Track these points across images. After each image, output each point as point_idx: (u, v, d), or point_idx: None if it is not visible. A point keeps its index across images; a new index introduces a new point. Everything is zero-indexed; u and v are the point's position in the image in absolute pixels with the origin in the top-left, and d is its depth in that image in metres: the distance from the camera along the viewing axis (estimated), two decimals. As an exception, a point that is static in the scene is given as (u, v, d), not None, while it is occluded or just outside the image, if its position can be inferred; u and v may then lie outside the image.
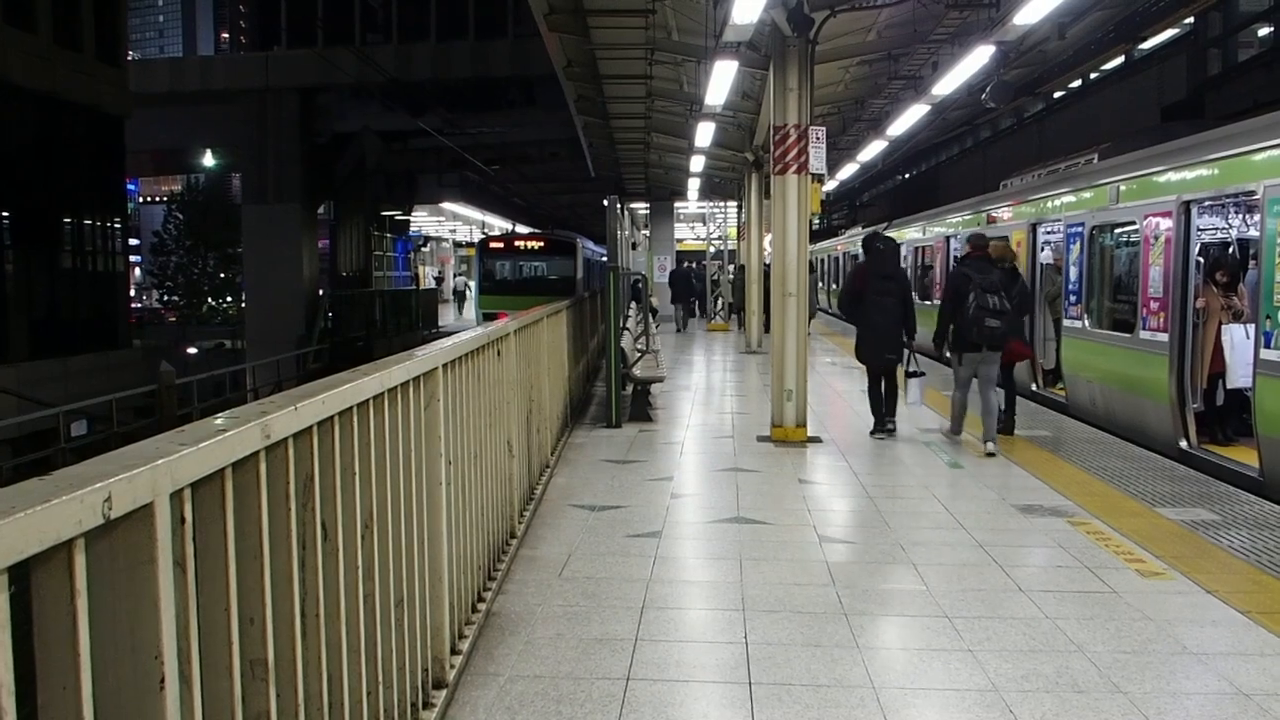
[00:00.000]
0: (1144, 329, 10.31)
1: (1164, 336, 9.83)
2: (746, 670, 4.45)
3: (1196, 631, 4.87)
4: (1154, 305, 10.09)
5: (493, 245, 32.32)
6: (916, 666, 4.55)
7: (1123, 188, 11.07)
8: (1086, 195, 12.15)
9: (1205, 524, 6.78)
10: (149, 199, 78.55)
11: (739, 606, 5.29)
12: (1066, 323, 12.60)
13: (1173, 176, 9.84)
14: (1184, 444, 9.49)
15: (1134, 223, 10.73)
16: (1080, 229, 12.25)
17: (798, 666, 4.49)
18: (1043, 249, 14.01)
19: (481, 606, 4.99)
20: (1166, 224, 9.86)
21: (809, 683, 4.32)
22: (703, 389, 15.01)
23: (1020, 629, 4.94)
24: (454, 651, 4.31)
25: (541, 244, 31.60)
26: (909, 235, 22.89)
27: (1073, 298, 12.50)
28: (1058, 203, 13.19)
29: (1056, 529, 6.77)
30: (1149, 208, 10.30)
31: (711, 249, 33.31)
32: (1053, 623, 5.02)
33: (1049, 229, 13.70)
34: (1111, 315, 11.67)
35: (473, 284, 38.62)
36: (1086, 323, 11.99)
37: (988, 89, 16.24)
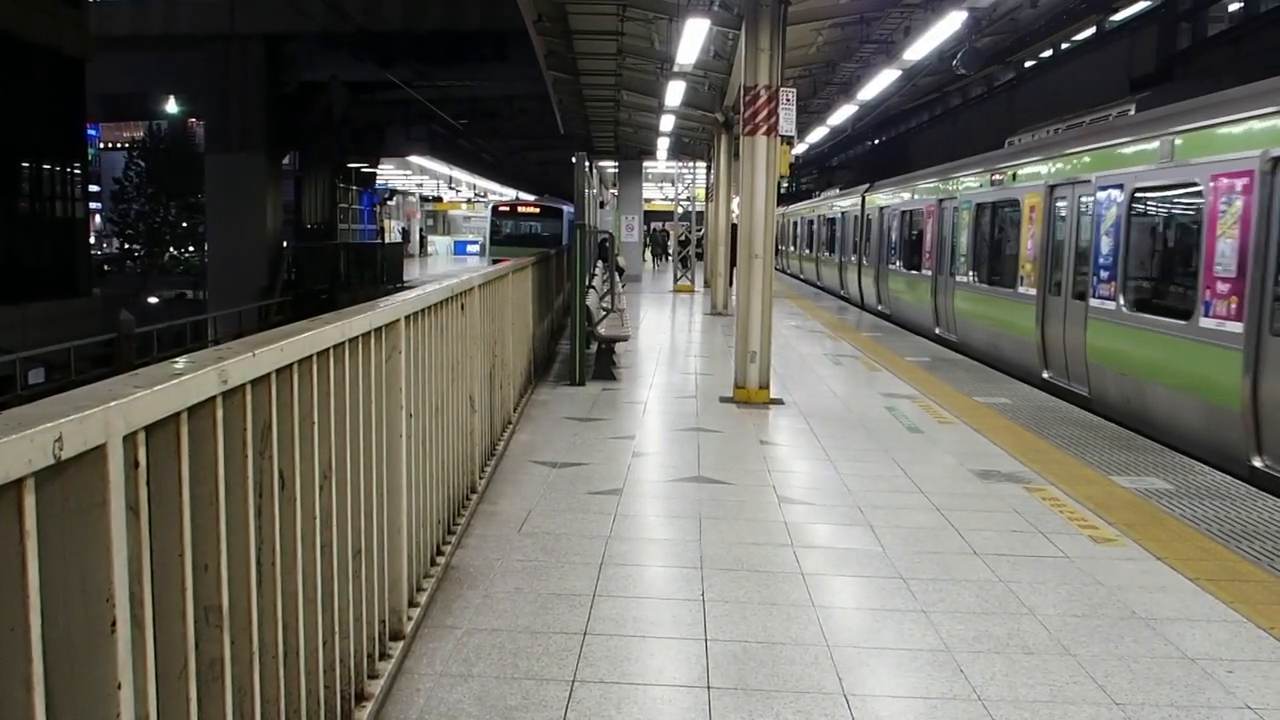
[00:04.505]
0: (1207, 316, 8.40)
1: (1236, 326, 7.99)
2: (703, 627, 4.49)
3: (1145, 597, 4.96)
4: (1222, 287, 8.22)
5: (501, 209, 42.35)
6: (870, 626, 4.60)
7: (1180, 141, 9.11)
8: (1127, 151, 10.15)
9: (1159, 493, 6.88)
10: (110, 145, 77.03)
11: (697, 564, 5.33)
12: (1095, 303, 10.57)
13: (1255, 126, 7.99)
14: (1259, 462, 7.76)
15: (1196, 184, 8.79)
16: (1117, 192, 10.25)
17: (754, 624, 4.54)
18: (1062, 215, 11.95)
19: (440, 560, 5.00)
20: (1244, 185, 8.10)
21: (764, 640, 4.36)
22: (667, 349, 15.03)
23: (973, 591, 5.01)
24: (412, 604, 4.32)
25: (537, 209, 40.78)
26: (890, 200, 21.26)
27: (1103, 274, 10.46)
28: (1086, 160, 11.10)
29: (1013, 494, 6.85)
30: (1219, 166, 8.40)
31: (680, 209, 33.30)
32: (1005, 586, 5.09)
33: (1074, 193, 11.52)
34: (1159, 297, 9.70)
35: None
36: (1123, 304, 10.01)
37: (959, 55, 16.23)
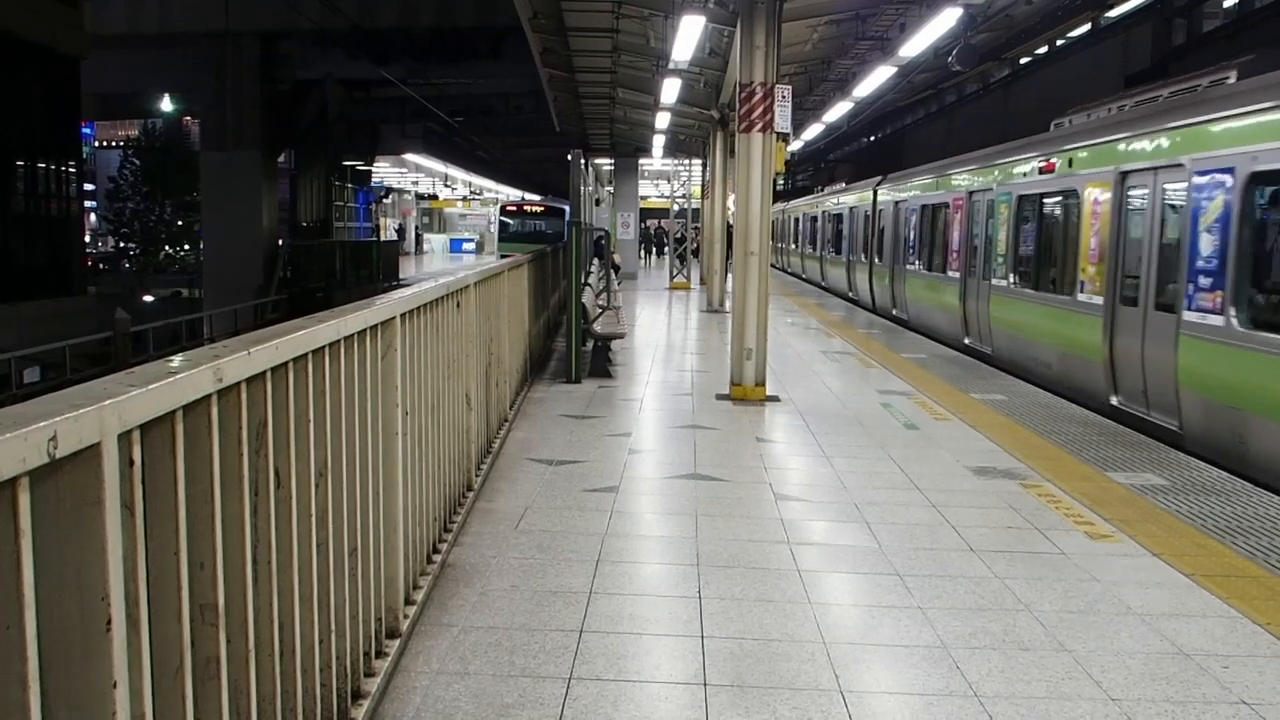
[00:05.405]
0: None
1: None
2: (699, 624, 4.50)
3: (1141, 593, 4.96)
4: None
5: (508, 208, 47.10)
6: (866, 623, 4.61)
7: None
8: (1239, 126, 8.14)
9: (1154, 489, 6.89)
10: (105, 144, 76.90)
11: (694, 561, 5.34)
12: (1189, 317, 8.50)
13: None
14: None
15: None
16: (1224, 177, 8.19)
17: (750, 621, 4.54)
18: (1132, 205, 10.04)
19: (437, 558, 5.00)
20: None
21: (760, 637, 4.37)
22: (663, 346, 15.03)
23: (970, 588, 5.02)
24: (408, 601, 4.32)
25: (541, 208, 45.44)
26: (908, 193, 19.34)
27: (1203, 281, 8.38)
28: (1176, 140, 9.04)
29: (1008, 491, 6.86)
30: None
31: (675, 207, 33.33)
32: (1001, 582, 5.10)
33: (1157, 180, 9.44)
34: None
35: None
36: (1235, 320, 7.90)
37: (954, 52, 16.24)
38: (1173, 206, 9.17)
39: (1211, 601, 4.85)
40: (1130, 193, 9.99)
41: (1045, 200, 12.39)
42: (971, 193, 15.17)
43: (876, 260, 21.94)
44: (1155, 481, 7.08)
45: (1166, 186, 9.27)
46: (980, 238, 14.64)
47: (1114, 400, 9.99)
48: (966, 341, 15.16)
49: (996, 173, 14.13)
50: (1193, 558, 5.48)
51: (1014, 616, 4.65)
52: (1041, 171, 12.28)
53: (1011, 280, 13.26)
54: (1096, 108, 12.25)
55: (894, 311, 20.20)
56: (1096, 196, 10.56)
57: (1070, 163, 11.45)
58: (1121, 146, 10.13)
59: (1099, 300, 10.37)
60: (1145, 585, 5.07)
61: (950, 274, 16.07)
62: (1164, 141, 9.28)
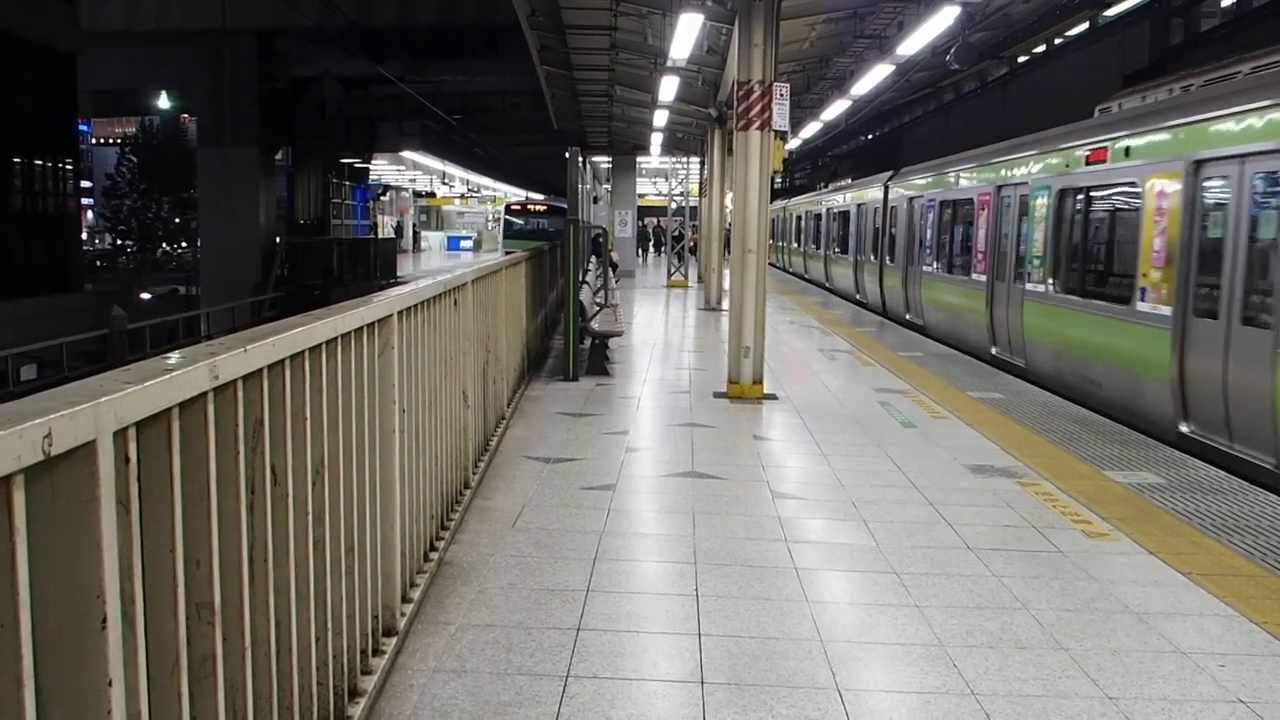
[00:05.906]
0: None
1: None
2: (696, 622, 4.49)
3: (1138, 592, 4.97)
4: None
5: (513, 207, 48.69)
6: (864, 621, 4.61)
7: None
8: None
9: (1151, 487, 6.89)
10: (102, 140, 76.77)
11: (691, 559, 5.33)
12: None
13: None
14: None
15: None
16: None
17: (747, 619, 4.54)
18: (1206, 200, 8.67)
19: (434, 555, 5.00)
20: None
21: (758, 635, 4.37)
22: (661, 344, 15.02)
23: (967, 586, 5.02)
24: (405, 599, 4.31)
25: (544, 207, 46.92)
26: (924, 189, 17.97)
27: None
28: (1275, 121, 7.61)
29: (1006, 489, 6.86)
30: None
31: (673, 205, 33.37)
32: (999, 580, 5.10)
33: (1245, 169, 7.98)
34: None
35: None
36: None
37: (952, 50, 16.23)
38: (1268, 201, 7.78)
39: (1208, 600, 4.86)
40: (1207, 185, 8.59)
41: (1094, 194, 11.00)
42: (1000, 187, 13.83)
43: (888, 260, 20.63)
44: (1153, 480, 7.09)
45: (1259, 177, 7.85)
46: (1011, 237, 13.26)
47: (1183, 428, 8.68)
48: (994, 352, 13.85)
49: (1032, 164, 12.68)
50: (1190, 556, 5.48)
51: (1011, 615, 4.65)
52: (1089, 162, 10.86)
53: (1051, 285, 11.81)
54: (1153, 89, 10.84)
55: (907, 316, 18.96)
56: (1162, 189, 9.15)
57: (1127, 152, 10.01)
58: (1195, 131, 8.76)
59: (1165, 310, 8.97)
60: (1142, 584, 5.08)
61: (975, 277, 14.66)
62: (1256, 123, 7.87)
